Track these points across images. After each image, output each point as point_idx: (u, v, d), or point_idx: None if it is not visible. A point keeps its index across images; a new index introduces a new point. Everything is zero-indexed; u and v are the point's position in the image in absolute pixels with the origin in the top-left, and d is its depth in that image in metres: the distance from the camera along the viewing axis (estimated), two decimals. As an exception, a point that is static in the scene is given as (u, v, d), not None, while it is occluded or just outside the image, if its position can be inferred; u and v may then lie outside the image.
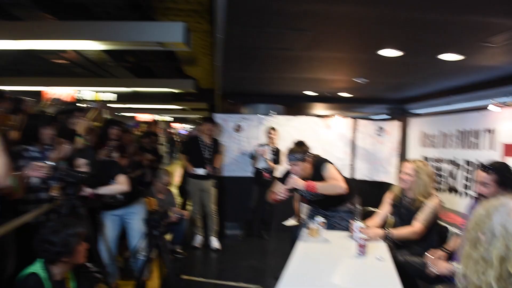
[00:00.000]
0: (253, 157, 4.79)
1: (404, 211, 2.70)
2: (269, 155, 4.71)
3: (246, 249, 4.54)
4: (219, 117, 5.23)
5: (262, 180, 4.69)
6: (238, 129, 5.22)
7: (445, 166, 3.84)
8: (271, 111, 5.34)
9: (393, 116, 5.64)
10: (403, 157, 4.82)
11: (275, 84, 4.90)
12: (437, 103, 5.00)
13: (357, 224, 2.37)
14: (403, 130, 4.89)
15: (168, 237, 3.88)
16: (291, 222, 4.84)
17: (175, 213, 3.87)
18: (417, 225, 2.51)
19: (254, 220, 4.99)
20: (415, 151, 4.51)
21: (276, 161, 4.74)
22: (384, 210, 2.82)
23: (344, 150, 5.41)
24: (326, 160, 2.63)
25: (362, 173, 5.41)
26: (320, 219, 2.57)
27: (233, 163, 5.16)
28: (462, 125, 3.64)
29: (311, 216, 2.86)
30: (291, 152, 2.55)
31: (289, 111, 6.14)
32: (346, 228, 2.72)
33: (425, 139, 4.30)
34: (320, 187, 2.43)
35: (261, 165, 4.67)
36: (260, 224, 4.93)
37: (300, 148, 2.59)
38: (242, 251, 4.48)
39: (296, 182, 2.42)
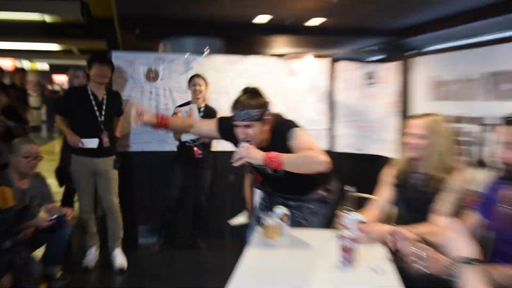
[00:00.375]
0: None
1: (413, 196, 2.71)
2: (195, 117, 4.74)
3: (168, 267, 4.61)
4: (120, 57, 5.16)
5: (189, 157, 4.81)
6: (151, 76, 5.23)
7: (468, 128, 3.90)
8: (205, 49, 5.36)
9: (390, 56, 5.78)
10: (405, 116, 4.97)
11: (210, 5, 4.92)
12: (454, 34, 5.00)
13: (352, 217, 2.33)
14: (405, 76, 5.01)
15: (37, 252, 3.75)
16: (240, 220, 4.79)
17: (50, 213, 3.74)
18: (439, 220, 2.38)
19: (178, 219, 5.16)
20: (422, 106, 4.60)
21: None
22: (382, 195, 2.83)
23: (317, 108, 5.59)
24: (292, 123, 2.70)
25: (346, 143, 5.64)
26: (281, 210, 2.62)
27: (145, 130, 5.15)
28: (492, 64, 3.68)
29: (267, 207, 2.96)
30: (242, 105, 2.57)
31: (233, 49, 6.13)
32: (318, 225, 2.85)
33: (437, 88, 4.42)
34: (288, 160, 2.43)
35: (186, 135, 4.75)
36: (192, 225, 5.07)
37: (255, 99, 2.60)
38: (162, 270, 4.54)
39: (251, 153, 2.40)
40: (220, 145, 5.14)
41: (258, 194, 4.12)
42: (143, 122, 2.73)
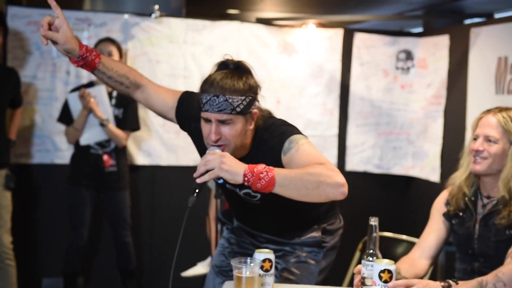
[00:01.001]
0: (65, 115, 4.97)
1: (483, 234, 2.87)
2: (105, 108, 4.87)
3: None
4: (20, 16, 5.18)
5: (96, 173, 4.89)
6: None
7: None
8: (154, 7, 5.36)
9: (433, 28, 5.81)
10: (455, 118, 4.99)
11: None
12: None
13: (377, 266, 2.40)
14: (457, 56, 5.07)
15: None
16: (198, 270, 4.98)
17: None
18: None
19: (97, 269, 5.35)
20: (483, 103, 4.58)
21: (127, 122, 4.99)
22: (429, 235, 3.03)
23: (321, 103, 5.71)
24: (289, 127, 2.76)
25: (362, 158, 5.79)
26: (262, 254, 2.61)
27: (59, 131, 5.23)
28: None
29: (233, 253, 3.10)
30: (220, 87, 2.58)
31: (197, 10, 6.22)
32: (309, 281, 2.94)
33: (508, 75, 4.49)
34: (285, 179, 2.43)
35: (89, 137, 4.88)
36: (121, 279, 5.19)
37: (240, 79, 2.61)
38: None
39: (226, 163, 2.40)
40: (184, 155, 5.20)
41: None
42: (52, 39, 2.54)
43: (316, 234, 2.97)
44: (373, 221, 2.51)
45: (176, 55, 5.33)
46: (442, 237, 3.01)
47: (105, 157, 4.82)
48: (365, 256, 2.49)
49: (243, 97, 2.54)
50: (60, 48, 2.55)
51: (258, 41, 5.47)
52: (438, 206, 3.06)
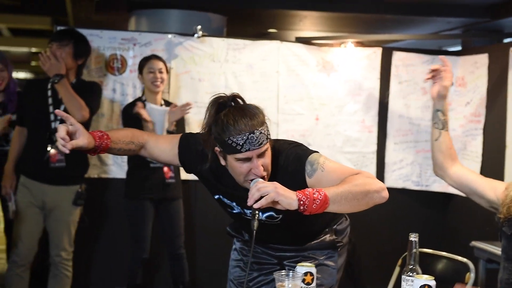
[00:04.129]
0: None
1: None
2: (159, 118, 4.85)
3: None
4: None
5: (157, 185, 4.91)
6: (115, 65, 5.36)
7: None
8: (197, 28, 5.37)
9: (474, 46, 5.82)
10: (495, 135, 4.97)
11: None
12: None
13: (419, 281, 2.40)
14: (497, 74, 5.02)
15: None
16: None
17: None
18: None
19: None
20: None
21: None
22: (481, 179, 3.01)
23: (360, 121, 5.71)
24: (301, 147, 2.78)
25: (401, 175, 5.76)
26: (304, 268, 2.62)
27: None
28: None
29: (252, 259, 3.07)
30: (248, 124, 2.55)
31: (238, 30, 6.28)
32: (331, 283, 2.96)
33: None
34: (336, 196, 2.42)
35: None
36: None
37: (252, 110, 2.60)
38: None
39: (280, 191, 2.36)
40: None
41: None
42: (76, 147, 2.58)
43: (329, 236, 2.99)
44: (413, 237, 2.52)
45: (217, 73, 5.34)
46: (478, 186, 2.97)
47: (165, 169, 4.84)
48: (405, 272, 2.48)
49: (266, 124, 2.57)
50: (78, 146, 2.57)
51: (297, 60, 5.46)
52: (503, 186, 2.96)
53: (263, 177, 2.55)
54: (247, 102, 2.65)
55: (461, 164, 3.07)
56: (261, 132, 2.53)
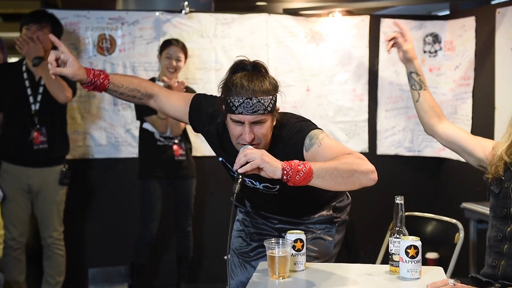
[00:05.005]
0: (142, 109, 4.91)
1: None
2: None
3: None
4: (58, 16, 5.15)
5: (167, 162, 4.93)
6: (105, 45, 5.35)
7: None
8: (184, 4, 5.36)
9: (461, 9, 5.73)
10: (484, 98, 5.00)
11: None
12: None
13: (405, 242, 2.48)
14: (484, 37, 5.05)
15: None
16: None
17: None
18: None
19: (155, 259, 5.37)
20: (508, 83, 4.67)
21: None
22: (471, 137, 3.07)
23: (351, 90, 5.73)
24: (306, 122, 2.79)
25: (393, 142, 5.80)
26: (294, 235, 2.69)
27: (98, 127, 5.37)
28: None
29: (250, 234, 3.18)
30: (251, 89, 2.59)
31: (226, 4, 6.19)
32: (328, 256, 3.02)
33: None
34: (321, 171, 2.43)
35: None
36: (177, 269, 5.26)
37: (266, 79, 2.63)
38: None
39: (265, 158, 2.40)
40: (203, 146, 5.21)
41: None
42: (59, 74, 2.70)
43: (327, 212, 3.03)
44: (399, 200, 2.57)
45: (207, 49, 5.34)
46: (467, 144, 3.02)
47: (175, 146, 4.86)
48: (392, 234, 2.54)
49: (271, 96, 2.57)
50: (69, 75, 2.68)
51: (286, 32, 5.44)
52: (491, 144, 3.01)
53: (252, 145, 2.57)
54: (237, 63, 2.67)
55: (449, 122, 3.12)
56: (259, 101, 2.54)
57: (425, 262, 5.10)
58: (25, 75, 4.47)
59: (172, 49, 4.80)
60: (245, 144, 2.56)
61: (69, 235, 4.83)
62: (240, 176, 2.40)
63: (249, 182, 2.84)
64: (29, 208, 4.56)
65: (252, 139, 2.57)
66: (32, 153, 4.41)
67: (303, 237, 2.66)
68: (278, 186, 2.77)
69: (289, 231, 2.72)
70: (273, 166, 2.35)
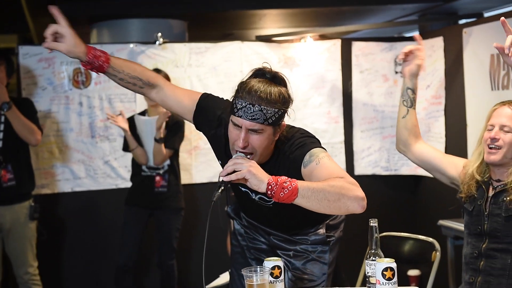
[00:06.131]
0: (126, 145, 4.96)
1: (490, 208, 2.95)
2: (146, 128, 4.92)
3: None
4: (32, 54, 5.26)
5: (147, 194, 4.93)
6: (80, 79, 5.35)
7: None
8: (157, 35, 5.39)
9: (430, 30, 5.83)
10: (456, 115, 5.02)
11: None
12: None
13: (381, 265, 2.46)
14: (453, 56, 5.08)
15: None
16: (221, 280, 4.85)
17: None
18: None
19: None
20: (481, 99, 4.67)
21: (175, 146, 5.00)
22: (444, 156, 3.20)
23: (326, 112, 5.73)
24: (310, 139, 2.74)
25: (369, 162, 5.81)
26: (272, 262, 2.63)
27: (76, 160, 5.31)
28: None
29: (246, 251, 3.11)
30: (257, 96, 2.54)
31: (200, 34, 6.27)
32: (321, 278, 2.97)
33: (501, 71, 4.46)
34: (307, 191, 2.39)
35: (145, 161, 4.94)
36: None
37: (278, 89, 2.58)
38: None
39: (253, 170, 2.38)
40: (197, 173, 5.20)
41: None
42: (53, 49, 2.60)
43: (321, 231, 2.98)
44: (373, 223, 2.55)
45: (182, 77, 5.36)
46: (439, 163, 3.12)
47: (157, 178, 4.85)
48: (368, 256, 2.52)
49: (276, 109, 2.51)
50: (63, 50, 2.58)
51: (259, 58, 5.43)
52: (462, 163, 3.09)
53: (246, 154, 2.54)
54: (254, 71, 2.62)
55: (423, 141, 3.17)
56: (261, 110, 2.49)
57: (408, 279, 5.18)
58: None
59: None
60: (238, 151, 2.53)
61: (47, 270, 4.79)
62: (223, 185, 2.38)
63: (245, 190, 2.80)
64: (1, 247, 4.51)
65: (245, 147, 2.54)
66: (0, 191, 4.36)
67: (280, 264, 2.61)
68: (273, 200, 2.72)
69: (266, 258, 2.67)
70: (259, 179, 2.33)
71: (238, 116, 2.50)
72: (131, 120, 4.90)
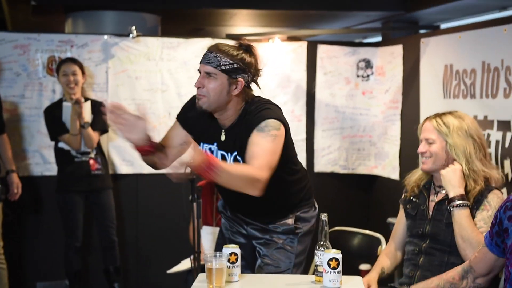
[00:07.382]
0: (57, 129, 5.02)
1: (433, 214, 3.10)
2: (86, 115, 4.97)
3: None
4: (7, 40, 5.26)
5: (83, 177, 5.00)
6: (54, 67, 5.25)
7: (496, 135, 4.03)
8: (131, 28, 5.42)
9: (391, 37, 5.90)
10: (411, 120, 5.13)
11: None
12: (479, 5, 5.01)
13: (328, 255, 2.61)
14: (410, 64, 5.20)
15: None
16: (182, 266, 4.77)
17: None
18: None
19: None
20: (434, 106, 4.75)
21: (98, 124, 5.03)
22: (399, 225, 3.30)
23: (289, 111, 5.75)
24: (274, 110, 2.86)
25: (329, 160, 5.92)
26: (229, 249, 2.78)
27: (47, 145, 5.30)
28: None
29: (228, 240, 3.24)
30: (215, 47, 2.80)
31: (172, 29, 6.22)
32: (286, 267, 3.08)
33: (453, 81, 4.56)
34: (223, 172, 2.57)
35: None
36: (108, 282, 5.21)
37: (237, 51, 2.81)
38: None
39: (193, 153, 2.56)
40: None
41: (205, 229, 4.20)
42: (130, 140, 2.77)
43: (290, 222, 3.08)
44: (324, 217, 2.71)
45: (153, 71, 5.43)
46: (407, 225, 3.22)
47: (91, 161, 4.94)
48: (317, 247, 2.68)
49: (231, 61, 2.73)
50: (134, 140, 2.79)
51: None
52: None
53: (201, 96, 2.75)
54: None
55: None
56: (216, 56, 2.73)
57: (359, 273, 5.34)
58: None
59: (66, 65, 4.88)
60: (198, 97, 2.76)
61: (17, 250, 4.87)
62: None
63: (209, 150, 2.95)
64: None
65: (198, 87, 2.75)
66: None
67: (237, 251, 2.75)
68: (236, 154, 2.88)
69: (225, 245, 2.80)
70: (194, 161, 2.48)
71: (200, 63, 2.77)
72: (58, 107, 4.95)
